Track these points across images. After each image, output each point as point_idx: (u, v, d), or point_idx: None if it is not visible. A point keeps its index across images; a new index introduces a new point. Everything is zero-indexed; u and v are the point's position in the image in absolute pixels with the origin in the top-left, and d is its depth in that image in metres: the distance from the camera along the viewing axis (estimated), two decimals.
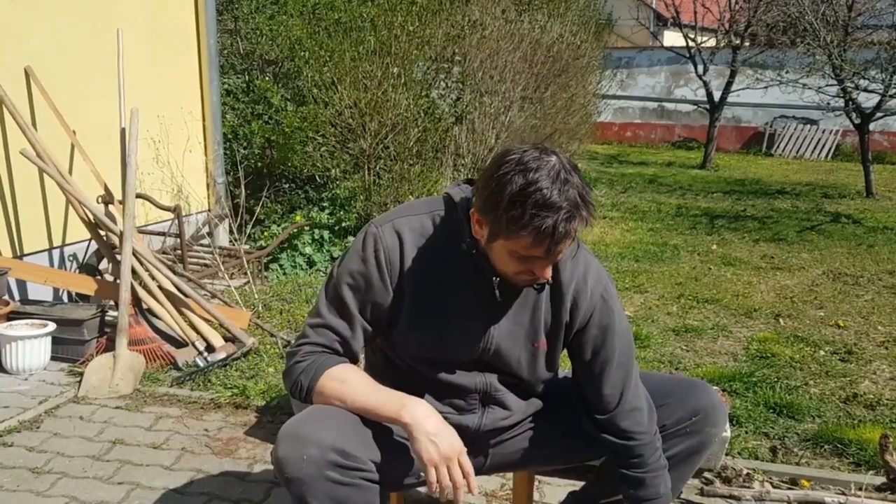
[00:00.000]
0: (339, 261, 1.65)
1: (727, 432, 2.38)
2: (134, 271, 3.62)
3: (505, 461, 1.83)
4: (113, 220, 3.83)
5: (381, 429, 1.58)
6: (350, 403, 1.54)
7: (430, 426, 1.48)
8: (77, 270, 4.24)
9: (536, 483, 2.35)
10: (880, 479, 2.45)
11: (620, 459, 1.71)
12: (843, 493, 2.35)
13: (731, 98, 11.44)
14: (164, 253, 4.52)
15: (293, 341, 1.66)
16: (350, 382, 1.56)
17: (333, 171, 6.03)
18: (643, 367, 3.35)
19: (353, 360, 1.64)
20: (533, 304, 1.64)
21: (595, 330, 1.66)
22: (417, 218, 1.61)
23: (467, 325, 1.62)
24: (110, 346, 3.42)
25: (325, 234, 5.29)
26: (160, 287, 3.68)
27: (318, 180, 6.21)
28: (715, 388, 2.58)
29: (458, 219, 1.59)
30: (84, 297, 4.02)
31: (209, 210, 5.46)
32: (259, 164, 6.21)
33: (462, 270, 1.58)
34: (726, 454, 2.52)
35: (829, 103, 8.72)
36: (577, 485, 2.28)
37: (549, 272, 1.51)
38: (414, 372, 1.69)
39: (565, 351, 1.74)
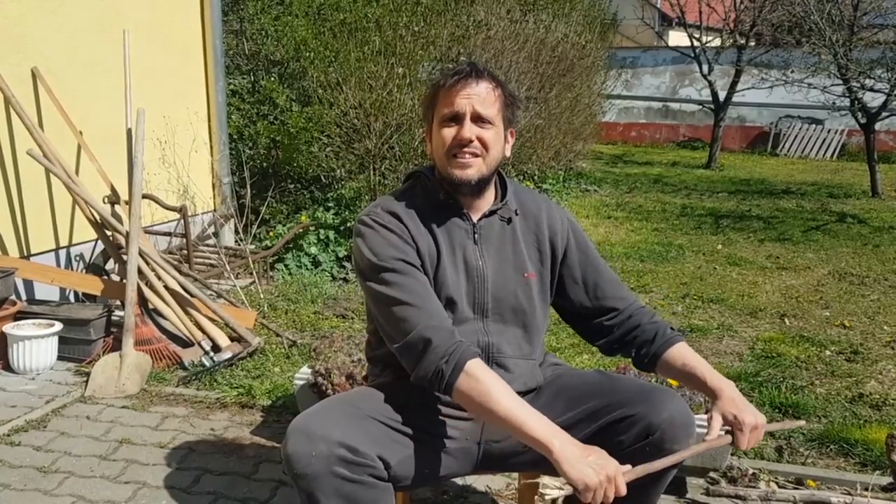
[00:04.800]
0: (363, 262, 1.69)
1: None
2: (140, 271, 3.63)
3: (499, 449, 1.77)
4: (119, 220, 3.85)
5: (391, 426, 1.59)
6: (494, 407, 1.50)
7: (578, 450, 1.45)
8: (83, 270, 4.26)
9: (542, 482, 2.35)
10: (886, 479, 2.44)
11: (649, 333, 1.81)
12: (849, 493, 2.35)
13: (736, 98, 11.42)
14: (170, 253, 4.53)
15: (408, 337, 1.57)
16: (494, 383, 1.52)
17: (339, 171, 6.04)
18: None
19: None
20: (512, 240, 1.80)
21: (575, 250, 1.87)
22: (394, 196, 1.81)
23: (461, 263, 1.75)
24: (117, 346, 3.44)
25: (331, 234, 5.29)
26: (166, 287, 3.69)
27: (324, 180, 6.22)
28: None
29: (426, 182, 1.80)
30: (90, 297, 4.04)
31: (215, 210, 5.47)
32: (264, 164, 6.22)
33: (444, 219, 1.76)
34: (732, 454, 2.52)
35: (834, 103, 8.69)
36: None
37: (467, 130, 1.68)
38: None
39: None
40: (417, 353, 1.56)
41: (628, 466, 1.47)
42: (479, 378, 1.52)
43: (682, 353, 1.77)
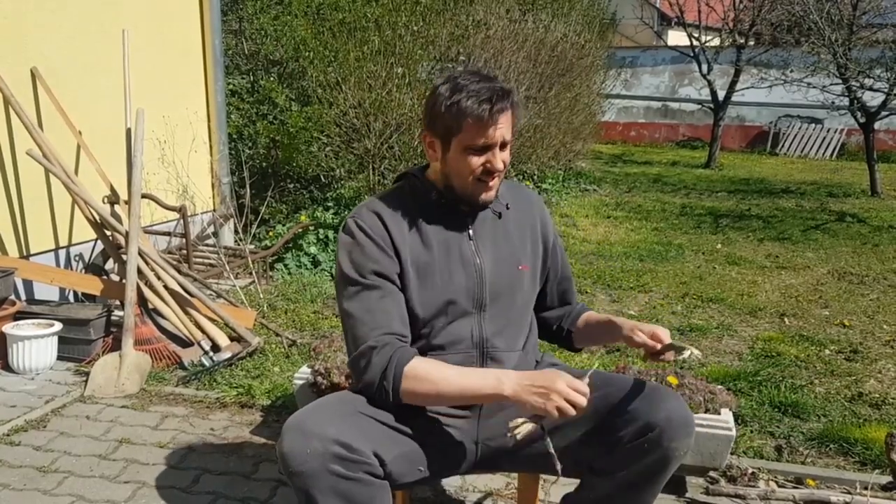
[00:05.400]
0: (338, 270, 1.74)
1: (732, 431, 2.38)
2: (140, 271, 3.63)
3: (496, 446, 1.77)
4: (119, 220, 3.84)
5: (386, 423, 1.60)
6: (444, 391, 1.60)
7: (525, 382, 1.55)
8: (83, 270, 4.26)
9: (542, 482, 2.36)
10: (886, 479, 2.44)
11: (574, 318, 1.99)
12: (849, 493, 2.35)
13: (735, 97, 11.42)
14: (169, 253, 4.53)
15: (351, 356, 1.68)
16: (434, 372, 1.61)
17: (338, 170, 6.04)
18: (648, 366, 3.35)
19: (408, 330, 1.70)
20: (505, 234, 1.83)
21: (557, 246, 1.96)
22: (384, 197, 1.80)
23: (458, 261, 1.75)
24: (116, 346, 3.44)
25: (330, 233, 5.30)
26: (166, 287, 3.69)
27: (323, 180, 6.22)
28: (720, 386, 2.59)
29: (417, 181, 1.80)
30: (90, 297, 4.03)
31: (214, 210, 5.47)
32: (264, 164, 6.22)
33: (437, 218, 1.76)
34: (731, 453, 2.52)
35: (833, 102, 8.70)
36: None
37: (499, 159, 1.68)
38: (418, 336, 1.73)
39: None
40: (360, 370, 1.63)
41: (590, 370, 1.64)
42: (420, 376, 1.59)
43: (587, 315, 1.96)
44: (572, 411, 1.50)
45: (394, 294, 1.68)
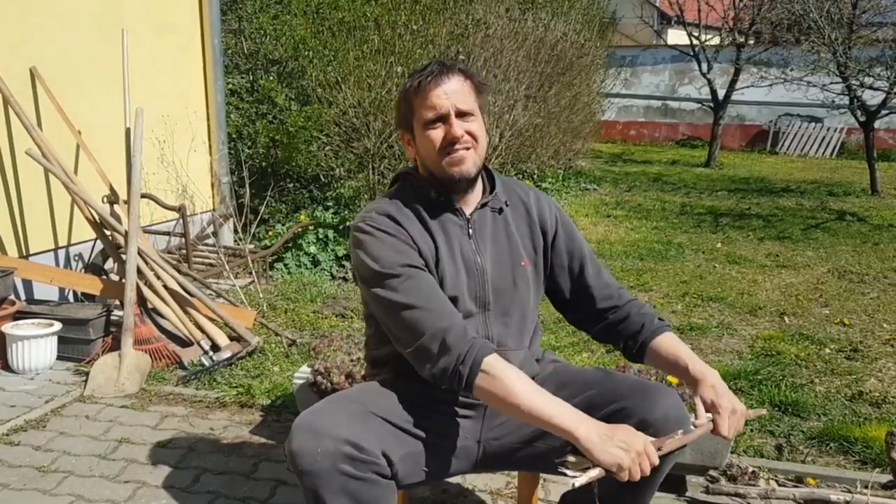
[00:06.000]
0: (364, 271, 1.66)
1: None
2: (139, 271, 3.63)
3: (498, 446, 1.78)
4: (118, 219, 3.84)
5: (394, 423, 1.59)
6: (515, 400, 1.50)
7: (604, 431, 1.46)
8: (82, 270, 4.26)
9: (542, 481, 2.36)
10: (886, 477, 2.44)
11: (637, 323, 1.83)
12: (849, 491, 2.34)
13: (735, 96, 11.42)
14: (169, 252, 4.53)
15: (417, 343, 1.58)
16: (512, 376, 1.53)
17: (338, 170, 6.04)
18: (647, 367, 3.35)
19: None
20: (505, 231, 1.82)
21: (562, 232, 1.88)
22: (384, 199, 1.78)
23: (460, 260, 1.74)
24: (116, 346, 3.43)
25: (330, 233, 5.29)
26: (165, 286, 3.68)
27: (323, 180, 6.22)
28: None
29: (414, 181, 1.80)
30: (90, 297, 4.03)
31: (214, 209, 5.47)
32: (263, 163, 6.22)
33: (437, 217, 1.75)
34: (732, 452, 2.52)
35: (833, 101, 8.69)
36: None
37: (456, 127, 1.67)
38: None
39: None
40: (432, 355, 1.55)
41: (678, 433, 1.55)
42: (499, 375, 1.52)
43: (667, 342, 1.79)
44: (638, 477, 1.44)
45: (435, 282, 1.65)
